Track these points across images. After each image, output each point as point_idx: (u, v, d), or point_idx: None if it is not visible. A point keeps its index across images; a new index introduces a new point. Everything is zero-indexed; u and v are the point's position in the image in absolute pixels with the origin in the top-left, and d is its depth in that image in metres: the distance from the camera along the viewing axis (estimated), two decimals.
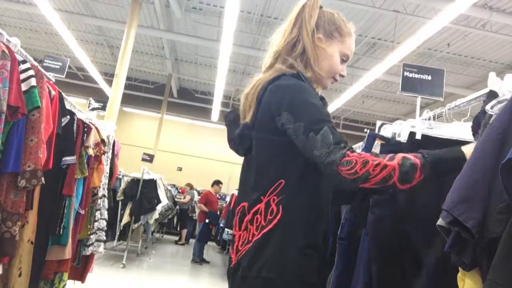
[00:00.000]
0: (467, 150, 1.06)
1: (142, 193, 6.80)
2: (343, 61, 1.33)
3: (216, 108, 13.62)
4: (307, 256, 1.14)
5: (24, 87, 1.91)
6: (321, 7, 1.34)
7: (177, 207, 10.49)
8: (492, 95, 1.24)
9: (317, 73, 1.28)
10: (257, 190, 1.19)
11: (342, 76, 1.35)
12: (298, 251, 1.13)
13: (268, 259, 1.12)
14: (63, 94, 2.42)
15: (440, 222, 1.01)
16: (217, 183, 9.01)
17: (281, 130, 1.16)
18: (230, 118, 1.38)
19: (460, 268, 1.04)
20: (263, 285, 1.12)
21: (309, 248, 1.14)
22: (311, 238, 1.16)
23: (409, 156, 1.04)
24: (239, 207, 1.24)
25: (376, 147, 1.88)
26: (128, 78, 10.90)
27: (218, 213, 9.08)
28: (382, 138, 1.92)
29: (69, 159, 2.50)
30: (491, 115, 1.12)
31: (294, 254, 1.12)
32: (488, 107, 1.15)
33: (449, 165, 1.06)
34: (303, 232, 1.15)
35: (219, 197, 10.28)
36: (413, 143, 1.55)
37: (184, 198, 10.92)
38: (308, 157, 1.11)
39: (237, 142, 1.32)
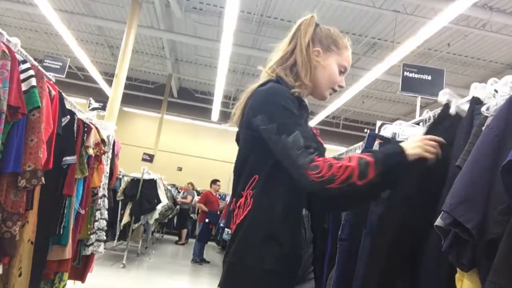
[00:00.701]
0: (405, 143, 1.20)
1: (142, 193, 6.80)
2: (341, 72, 1.43)
3: (216, 108, 13.62)
4: (268, 245, 1.20)
5: (24, 87, 1.91)
6: (317, 24, 1.43)
7: (177, 207, 10.49)
8: (475, 101, 1.27)
9: (308, 84, 1.37)
10: (239, 186, 1.30)
11: (341, 87, 1.45)
12: (259, 240, 1.21)
13: (235, 246, 1.23)
14: (63, 94, 2.42)
15: (438, 223, 1.01)
16: (214, 182, 9.05)
17: (257, 130, 1.25)
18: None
19: (458, 269, 1.05)
20: (227, 269, 1.24)
21: (271, 239, 1.21)
22: (276, 230, 1.22)
23: (364, 156, 1.17)
24: (231, 203, 1.34)
25: (377, 147, 1.89)
26: (128, 78, 10.91)
27: (219, 213, 9.07)
28: (382, 138, 1.93)
29: (69, 159, 2.50)
30: (486, 117, 1.13)
31: (255, 242, 1.21)
32: (483, 108, 1.16)
33: (395, 159, 1.17)
34: (268, 224, 1.22)
35: (219, 196, 10.28)
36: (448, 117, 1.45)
37: (186, 198, 10.91)
38: (279, 157, 1.20)
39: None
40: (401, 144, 1.20)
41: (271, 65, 1.41)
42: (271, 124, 1.20)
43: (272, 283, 1.21)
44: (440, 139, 1.23)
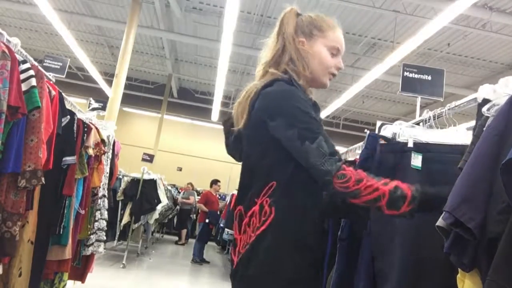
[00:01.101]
0: None
1: (142, 193, 6.80)
2: (333, 54, 1.35)
3: (216, 108, 13.62)
4: (301, 253, 1.16)
5: (24, 87, 1.91)
6: (299, 14, 1.38)
7: (177, 207, 10.48)
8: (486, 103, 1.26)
9: (308, 76, 1.31)
10: (251, 193, 1.22)
11: (339, 68, 1.36)
12: (292, 249, 1.16)
13: (262, 258, 1.15)
14: (63, 94, 2.42)
15: (440, 223, 1.01)
16: (214, 182, 9.05)
17: (272, 134, 1.19)
18: (228, 125, 1.42)
19: (460, 269, 1.05)
20: (258, 283, 1.16)
21: (304, 246, 1.17)
22: (307, 236, 1.19)
23: (403, 186, 1.09)
24: (236, 210, 1.27)
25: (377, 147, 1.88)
26: (128, 78, 10.90)
27: (219, 213, 9.07)
28: (384, 138, 1.92)
29: (69, 159, 2.50)
30: (487, 117, 1.13)
31: (287, 252, 1.15)
32: (484, 109, 1.16)
33: (436, 204, 1.07)
34: (299, 231, 1.18)
35: (219, 197, 10.28)
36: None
37: (188, 198, 10.90)
38: (303, 164, 1.15)
39: (232, 147, 1.38)
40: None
41: (265, 61, 1.36)
42: (292, 129, 1.15)
43: None
44: None
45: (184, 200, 10.77)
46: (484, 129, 1.06)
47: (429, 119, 1.92)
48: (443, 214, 0.99)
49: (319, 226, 1.24)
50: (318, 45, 1.33)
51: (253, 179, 1.24)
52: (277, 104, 1.21)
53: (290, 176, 1.19)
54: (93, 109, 7.86)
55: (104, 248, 3.57)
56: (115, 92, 8.38)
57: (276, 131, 1.18)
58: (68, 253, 2.59)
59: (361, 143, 2.51)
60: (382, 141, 1.85)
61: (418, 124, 1.99)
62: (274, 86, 1.24)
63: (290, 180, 1.19)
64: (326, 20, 1.36)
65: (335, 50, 1.35)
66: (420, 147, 1.62)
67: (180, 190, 12.55)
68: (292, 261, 1.15)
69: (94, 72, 12.37)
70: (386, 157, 1.74)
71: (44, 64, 4.70)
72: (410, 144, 1.68)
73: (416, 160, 1.60)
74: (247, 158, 1.28)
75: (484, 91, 1.28)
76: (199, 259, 8.20)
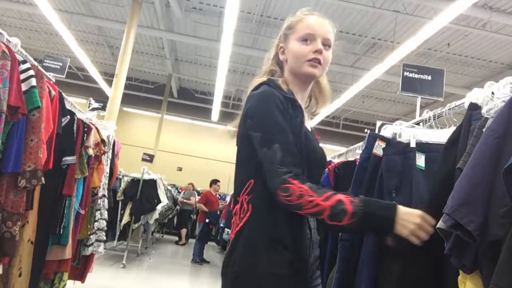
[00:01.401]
0: (401, 213, 1.10)
1: (142, 193, 6.80)
2: (305, 41, 1.33)
3: (216, 108, 13.61)
4: (275, 250, 1.18)
5: (24, 87, 1.91)
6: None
7: (177, 207, 10.48)
8: (472, 107, 1.27)
9: (291, 76, 1.36)
10: (235, 192, 1.28)
11: (317, 51, 1.31)
12: (265, 245, 1.18)
13: (239, 255, 1.19)
14: (63, 94, 2.42)
15: (440, 225, 1.01)
16: (214, 182, 9.04)
17: (247, 133, 1.25)
18: None
19: (461, 271, 1.04)
20: (235, 279, 1.20)
21: (277, 243, 1.18)
22: (280, 233, 1.20)
23: (345, 200, 1.11)
24: (232, 204, 1.34)
25: (377, 147, 1.88)
26: (128, 78, 10.90)
27: (219, 212, 9.07)
28: (382, 138, 1.92)
29: (69, 159, 2.50)
30: (487, 118, 1.13)
31: (261, 248, 1.18)
32: (484, 110, 1.16)
33: (378, 222, 1.12)
34: (272, 227, 1.20)
35: (219, 196, 10.28)
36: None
37: (189, 199, 10.88)
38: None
39: None
40: (398, 211, 1.11)
41: (263, 69, 1.43)
42: (256, 133, 1.21)
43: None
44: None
45: (185, 200, 10.76)
46: (484, 130, 1.06)
47: (429, 119, 1.92)
48: (443, 216, 0.99)
49: (298, 226, 1.23)
50: (291, 42, 1.35)
51: (237, 177, 1.29)
52: (253, 105, 1.26)
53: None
54: (93, 109, 7.87)
55: (104, 248, 3.57)
56: (115, 92, 8.38)
57: (248, 131, 1.24)
58: (68, 253, 2.59)
59: (361, 143, 2.51)
60: (381, 142, 1.85)
61: (418, 124, 1.99)
62: (259, 89, 1.29)
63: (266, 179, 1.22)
64: (297, 15, 1.39)
65: (306, 36, 1.32)
66: (422, 147, 1.62)
67: (180, 190, 12.54)
68: (268, 258, 1.16)
69: (94, 72, 12.37)
70: (390, 159, 1.74)
71: (44, 64, 4.70)
72: (413, 144, 1.68)
73: (420, 160, 1.61)
74: (236, 157, 1.33)
75: (473, 95, 1.29)
76: (199, 259, 8.20)
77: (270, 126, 1.20)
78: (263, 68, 1.43)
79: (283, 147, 1.17)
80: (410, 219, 1.09)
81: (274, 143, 1.17)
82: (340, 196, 1.13)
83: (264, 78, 1.34)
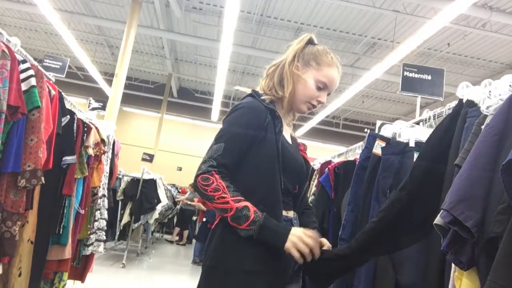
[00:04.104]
0: (291, 239, 1.19)
1: (142, 193, 6.80)
2: (320, 88, 1.41)
3: (216, 108, 13.62)
4: (244, 246, 1.22)
5: (24, 86, 1.91)
6: (312, 43, 1.46)
7: (177, 207, 10.47)
8: (469, 104, 1.27)
9: (288, 96, 1.41)
10: None
11: (320, 102, 1.43)
12: (234, 242, 1.23)
13: (212, 250, 1.27)
14: (63, 93, 2.42)
15: (438, 221, 1.01)
16: None
17: None
18: None
19: (457, 268, 1.04)
20: (207, 273, 1.27)
21: (244, 240, 1.22)
22: None
23: (251, 208, 1.21)
24: None
25: (377, 147, 1.89)
26: (128, 78, 10.92)
27: None
28: (382, 138, 1.92)
29: (69, 158, 2.50)
30: (486, 115, 1.13)
31: (231, 244, 1.24)
32: (483, 107, 1.16)
33: (270, 238, 1.21)
34: None
35: None
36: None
37: (193, 200, 10.83)
38: None
39: None
40: (291, 231, 1.21)
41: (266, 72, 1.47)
42: (219, 132, 1.34)
43: (253, 284, 1.22)
44: (322, 240, 1.26)
45: (189, 202, 10.71)
46: (483, 127, 1.06)
47: (429, 119, 1.92)
48: (441, 212, 0.99)
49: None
50: (309, 75, 1.40)
51: None
52: (231, 113, 1.36)
53: (237, 173, 1.30)
54: (93, 109, 7.88)
55: (104, 248, 3.57)
56: (115, 91, 8.38)
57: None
58: (68, 252, 2.59)
59: (361, 143, 2.52)
60: (381, 142, 1.85)
61: (418, 124, 1.99)
62: (244, 100, 1.39)
63: (237, 177, 1.29)
64: (328, 57, 1.43)
65: (322, 84, 1.40)
66: (421, 146, 1.62)
67: (180, 190, 12.53)
68: (237, 254, 1.23)
69: (94, 72, 12.37)
70: (387, 159, 1.74)
71: (44, 63, 4.70)
72: (412, 144, 1.68)
73: None
74: None
75: (469, 91, 1.30)
76: (199, 259, 8.20)
77: (229, 130, 1.32)
78: (267, 74, 1.47)
79: (226, 147, 1.28)
80: (296, 234, 1.20)
81: (221, 141, 1.29)
82: (249, 205, 1.21)
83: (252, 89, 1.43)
